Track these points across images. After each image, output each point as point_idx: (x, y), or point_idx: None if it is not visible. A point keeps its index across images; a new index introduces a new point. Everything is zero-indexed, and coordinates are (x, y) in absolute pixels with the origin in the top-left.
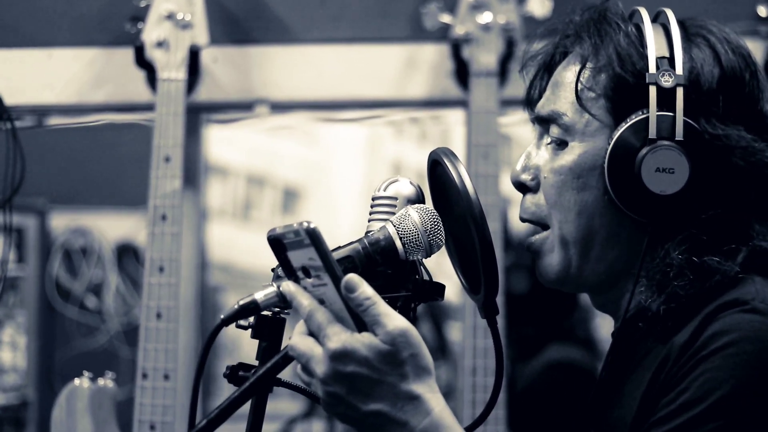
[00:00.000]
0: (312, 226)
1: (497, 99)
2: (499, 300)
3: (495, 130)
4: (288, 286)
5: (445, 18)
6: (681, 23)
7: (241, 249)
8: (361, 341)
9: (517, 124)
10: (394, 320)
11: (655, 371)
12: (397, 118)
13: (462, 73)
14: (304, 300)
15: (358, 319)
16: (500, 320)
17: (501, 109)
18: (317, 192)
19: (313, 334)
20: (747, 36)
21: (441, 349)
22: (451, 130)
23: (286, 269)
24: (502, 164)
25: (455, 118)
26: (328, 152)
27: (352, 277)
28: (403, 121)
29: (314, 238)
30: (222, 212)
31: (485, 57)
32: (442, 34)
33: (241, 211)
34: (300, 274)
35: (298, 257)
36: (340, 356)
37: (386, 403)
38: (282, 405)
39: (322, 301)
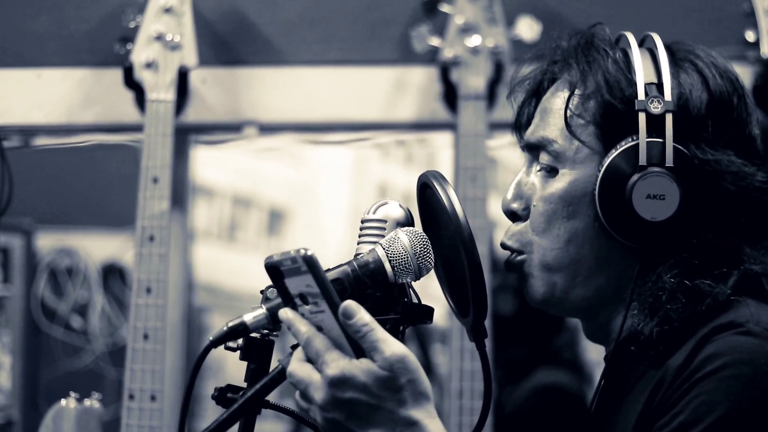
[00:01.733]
0: (309, 253)
1: (485, 122)
2: (487, 323)
3: (483, 153)
4: (286, 314)
5: (434, 41)
6: (668, 48)
7: (227, 270)
8: (360, 367)
9: (505, 148)
10: (392, 346)
11: (650, 394)
12: (383, 141)
13: (450, 96)
14: (302, 327)
15: (356, 345)
16: (488, 342)
17: (489, 132)
18: (303, 214)
19: (312, 360)
20: (735, 61)
21: (427, 372)
22: (438, 152)
23: (284, 296)
24: (490, 187)
25: (442, 140)
26: (315, 174)
27: (350, 304)
28: (389, 144)
29: (312, 265)
30: (208, 233)
31: (474, 80)
32: (430, 57)
33: (226, 232)
34: (297, 300)
35: (295, 284)
36: (338, 383)
37: (385, 429)
38: (267, 427)
39: (320, 328)
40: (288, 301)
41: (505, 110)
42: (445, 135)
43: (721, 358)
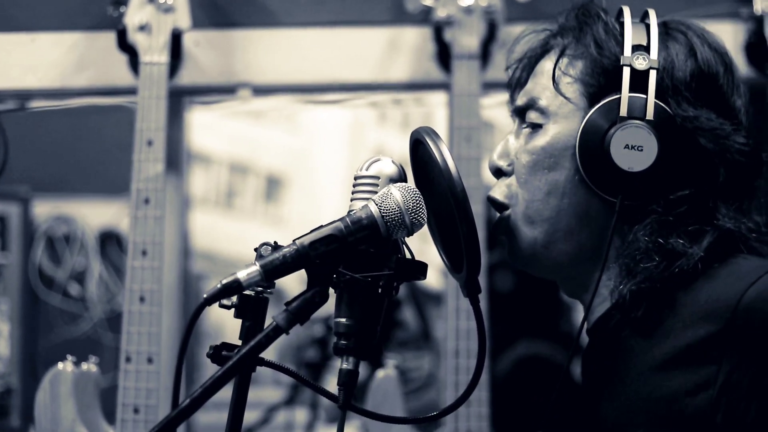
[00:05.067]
0: None
1: (479, 81)
2: (485, 301)
3: (477, 112)
4: None
5: (427, 1)
6: (663, 22)
7: (224, 237)
8: None
9: (499, 107)
10: None
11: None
12: (379, 99)
13: (444, 55)
14: None
15: None
16: (486, 319)
17: (483, 91)
18: (300, 179)
19: None
20: (727, 18)
21: (425, 336)
22: (434, 112)
23: None
24: (484, 148)
25: (438, 99)
26: (311, 139)
27: None
28: (385, 103)
29: None
30: (205, 200)
31: (467, 40)
32: (423, 16)
33: (224, 199)
34: None
35: None
36: None
37: None
38: (266, 393)
39: None
40: None
41: (499, 70)
42: (441, 94)
43: None
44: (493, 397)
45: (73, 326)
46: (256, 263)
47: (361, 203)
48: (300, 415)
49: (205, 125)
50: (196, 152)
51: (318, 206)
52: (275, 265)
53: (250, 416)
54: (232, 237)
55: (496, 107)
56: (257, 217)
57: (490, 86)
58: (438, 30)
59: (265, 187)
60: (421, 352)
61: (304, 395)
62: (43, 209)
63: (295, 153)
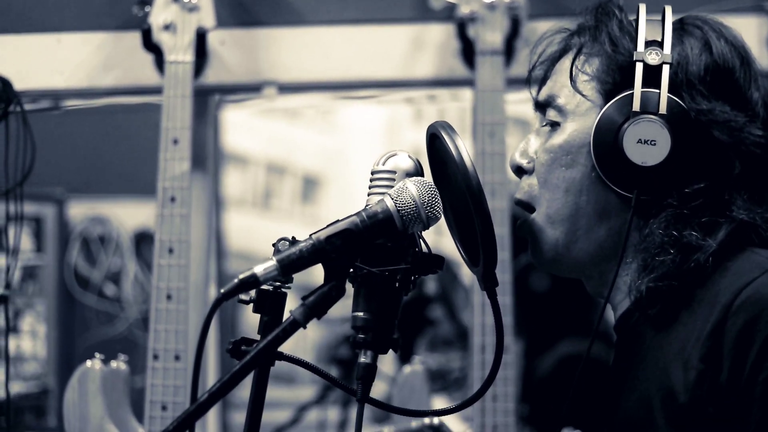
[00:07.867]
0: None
1: (503, 77)
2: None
3: (501, 108)
4: None
5: None
6: (680, 19)
7: (261, 237)
8: None
9: (524, 103)
10: None
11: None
12: (414, 95)
13: (468, 52)
14: None
15: None
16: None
17: (507, 87)
18: (337, 179)
19: None
20: (751, 12)
21: (458, 336)
22: (469, 107)
23: None
24: (509, 143)
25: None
26: (347, 139)
27: None
28: (420, 99)
29: None
30: (242, 201)
31: (491, 36)
32: (447, 13)
33: (261, 199)
34: None
35: None
36: None
37: None
38: (303, 392)
39: None
40: None
41: (523, 66)
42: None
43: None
44: (536, 396)
45: (108, 326)
46: (273, 258)
47: (378, 198)
48: (332, 413)
49: (241, 126)
50: (231, 153)
51: (354, 206)
52: (292, 260)
53: (284, 416)
54: (268, 237)
55: (524, 102)
56: (294, 218)
57: (514, 82)
58: (462, 26)
59: (302, 188)
60: (453, 351)
61: (335, 394)
62: (79, 210)
63: (332, 153)
